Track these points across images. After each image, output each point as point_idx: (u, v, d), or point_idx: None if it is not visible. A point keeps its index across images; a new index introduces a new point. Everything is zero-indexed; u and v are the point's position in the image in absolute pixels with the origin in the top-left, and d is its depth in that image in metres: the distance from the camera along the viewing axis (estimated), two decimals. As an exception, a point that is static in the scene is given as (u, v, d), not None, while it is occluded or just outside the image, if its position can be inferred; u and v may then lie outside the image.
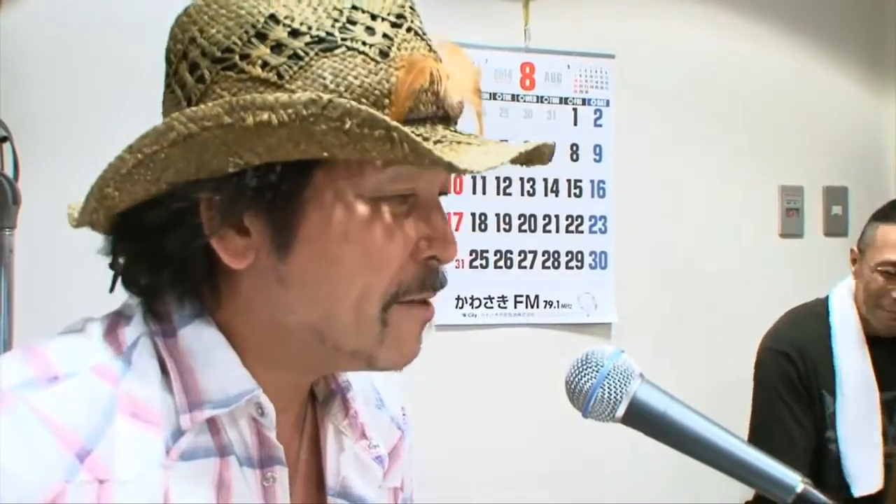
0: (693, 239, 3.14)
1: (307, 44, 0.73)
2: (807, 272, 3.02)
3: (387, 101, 0.73)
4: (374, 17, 0.76)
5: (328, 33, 0.74)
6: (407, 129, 0.70)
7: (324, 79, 0.72)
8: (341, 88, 0.72)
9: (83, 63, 2.52)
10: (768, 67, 3.24)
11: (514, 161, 0.80)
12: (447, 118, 0.78)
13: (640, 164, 3.06)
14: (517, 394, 2.86)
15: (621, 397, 0.82)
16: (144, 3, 2.56)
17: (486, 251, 2.88)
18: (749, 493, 2.70)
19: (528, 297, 2.93)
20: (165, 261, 0.76)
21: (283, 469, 0.80)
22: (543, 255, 2.95)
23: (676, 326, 3.08)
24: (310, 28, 0.74)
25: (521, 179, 2.92)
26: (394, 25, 0.76)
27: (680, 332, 3.08)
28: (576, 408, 0.84)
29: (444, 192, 0.83)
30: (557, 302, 2.96)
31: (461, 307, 2.84)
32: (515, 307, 2.92)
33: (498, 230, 2.90)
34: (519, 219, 2.92)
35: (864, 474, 2.35)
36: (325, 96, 0.70)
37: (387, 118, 0.70)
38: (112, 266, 0.81)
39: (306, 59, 0.73)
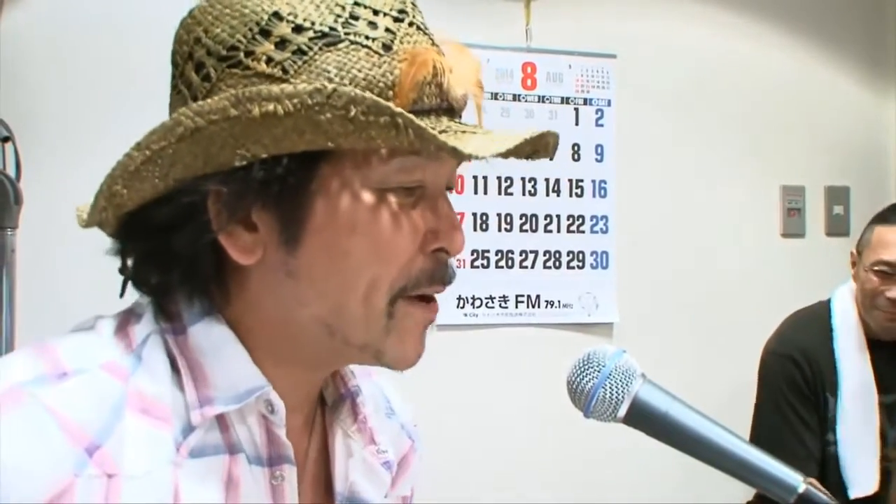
0: (694, 239, 3.13)
1: (311, 39, 0.74)
2: (808, 272, 3.01)
3: (391, 92, 0.74)
4: (376, 13, 0.76)
5: (331, 28, 0.74)
6: (412, 116, 0.71)
7: (328, 72, 0.73)
8: (345, 81, 0.73)
9: (85, 63, 2.52)
10: (769, 67, 3.24)
11: (518, 154, 0.80)
12: (451, 110, 0.79)
13: (641, 164, 3.06)
14: (518, 394, 2.86)
15: (623, 397, 0.82)
16: (146, 4, 2.56)
17: (488, 251, 2.88)
18: (752, 493, 2.71)
19: (529, 296, 2.93)
20: (174, 259, 0.76)
21: (292, 468, 0.80)
22: (545, 255, 2.95)
23: (678, 326, 3.08)
24: (313, 24, 0.74)
25: (523, 179, 2.92)
26: (396, 20, 0.77)
27: (681, 332, 3.08)
28: (577, 408, 0.84)
29: (451, 187, 0.83)
30: (559, 302, 2.96)
31: (462, 307, 2.84)
32: (517, 307, 2.92)
33: (499, 230, 2.90)
34: (520, 219, 2.92)
35: (861, 476, 2.36)
36: (330, 85, 0.70)
37: (391, 105, 0.70)
38: (122, 271, 0.81)
39: (310, 53, 0.73)
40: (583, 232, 2.99)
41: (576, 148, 2.98)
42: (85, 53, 2.52)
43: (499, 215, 2.90)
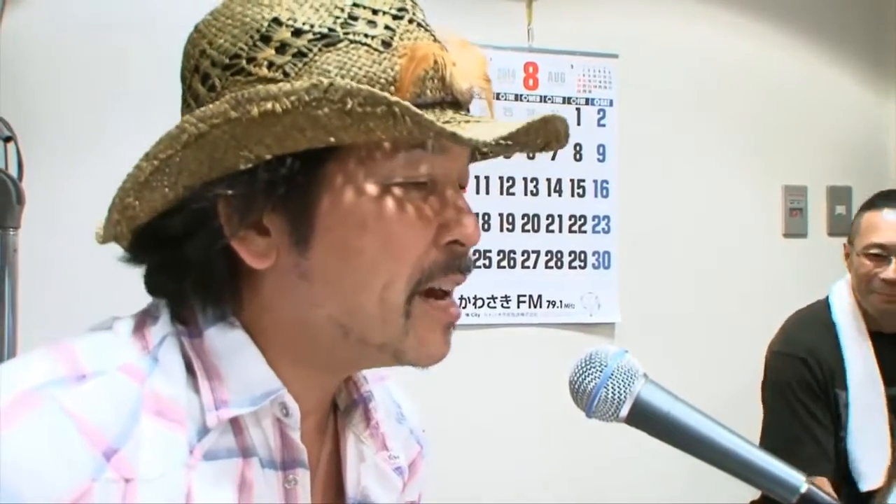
0: (696, 238, 3.13)
1: (310, 41, 0.74)
2: (810, 272, 3.01)
3: (392, 88, 0.74)
4: (375, 12, 0.77)
5: (330, 29, 0.75)
6: (409, 104, 0.71)
7: (329, 72, 0.73)
8: (346, 79, 0.73)
9: (86, 64, 2.52)
10: (772, 67, 3.24)
11: (528, 145, 0.81)
12: (457, 104, 0.78)
13: (643, 164, 3.06)
14: (520, 393, 2.86)
15: (625, 397, 0.82)
16: (147, 5, 2.56)
17: (490, 251, 2.89)
18: (755, 493, 2.70)
19: (531, 296, 2.93)
20: (188, 267, 0.77)
21: (306, 472, 0.80)
22: (546, 255, 2.95)
23: (680, 326, 3.08)
24: (312, 26, 0.75)
25: (525, 179, 2.93)
26: (395, 18, 0.77)
27: (683, 331, 3.08)
28: (579, 408, 0.84)
29: (463, 185, 0.83)
30: (560, 302, 2.96)
31: (464, 307, 2.84)
32: (518, 307, 2.92)
33: (501, 230, 2.90)
34: (522, 218, 2.92)
35: (873, 468, 2.36)
36: (326, 80, 0.70)
37: (387, 95, 0.70)
38: (147, 287, 0.82)
39: (310, 55, 0.74)
40: (585, 232, 2.99)
41: (578, 148, 2.98)
42: (86, 54, 2.53)
43: (501, 215, 2.90)
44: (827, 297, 2.54)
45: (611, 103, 3.02)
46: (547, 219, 2.95)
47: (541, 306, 2.94)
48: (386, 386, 0.99)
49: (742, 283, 3.17)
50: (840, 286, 2.53)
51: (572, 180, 2.98)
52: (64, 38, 2.50)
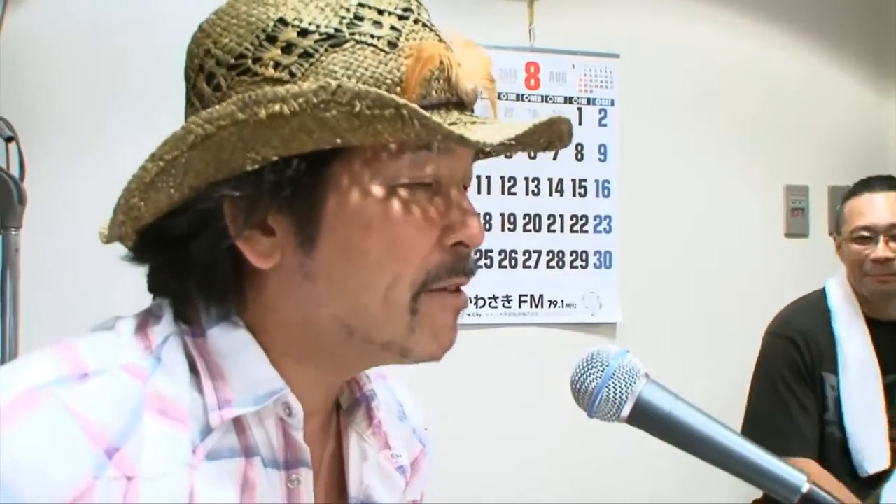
0: (698, 238, 3.13)
1: (316, 41, 0.74)
2: (812, 272, 3.00)
3: (398, 89, 0.74)
4: (380, 12, 0.77)
5: (336, 30, 0.75)
6: (417, 107, 0.71)
7: (335, 73, 0.73)
8: (353, 80, 0.73)
9: (88, 64, 2.53)
10: (773, 67, 3.24)
11: (532, 145, 0.81)
12: (462, 104, 0.79)
13: (644, 164, 3.06)
14: (521, 393, 2.86)
15: (626, 397, 0.82)
16: (148, 5, 2.56)
17: (491, 251, 2.89)
18: (756, 493, 2.70)
19: (532, 296, 2.93)
20: (192, 267, 0.77)
21: (308, 471, 0.80)
22: (548, 255, 2.95)
23: (681, 326, 3.08)
24: (318, 27, 0.75)
25: (526, 179, 2.93)
26: (401, 18, 0.77)
27: (684, 331, 3.08)
28: (581, 407, 0.84)
29: (467, 185, 0.83)
30: (562, 301, 2.96)
31: (466, 307, 2.84)
32: (520, 307, 2.92)
33: (502, 230, 2.90)
34: (523, 218, 2.92)
35: (874, 452, 2.38)
36: (334, 82, 0.70)
37: (396, 97, 0.70)
38: (149, 286, 0.82)
39: (316, 55, 0.74)
40: (586, 231, 2.99)
41: (579, 148, 2.98)
42: (88, 54, 2.53)
43: (502, 215, 2.90)
44: (823, 288, 2.58)
45: (612, 103, 3.02)
46: (548, 218, 2.95)
47: (542, 306, 2.94)
48: (388, 384, 0.99)
49: (743, 282, 3.17)
50: (836, 277, 2.57)
51: (574, 180, 2.98)
52: (65, 39, 2.50)
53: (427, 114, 0.70)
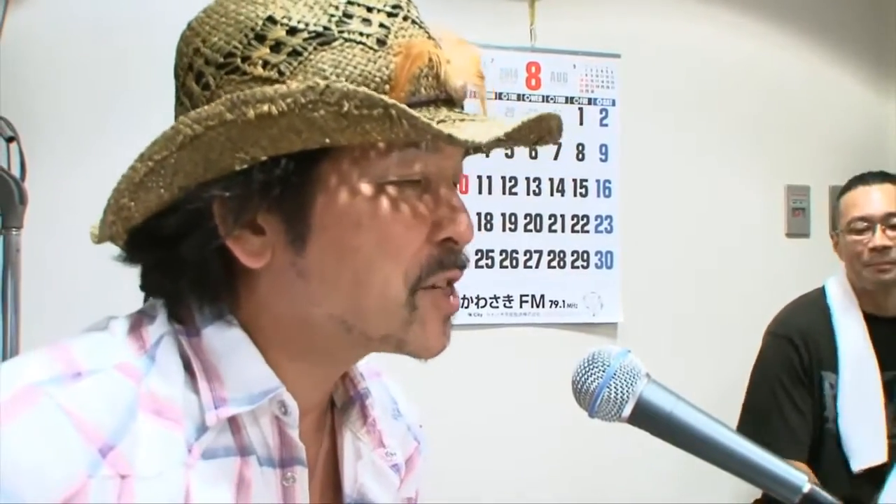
0: (699, 238, 3.13)
1: (305, 39, 0.74)
2: (813, 271, 3.00)
3: (387, 86, 0.74)
4: (369, 10, 0.77)
5: (325, 28, 0.75)
6: (405, 107, 0.71)
7: (324, 71, 0.73)
8: (341, 78, 0.73)
9: (89, 64, 2.53)
10: (774, 67, 3.24)
11: (522, 141, 0.81)
12: (451, 101, 0.79)
13: (645, 164, 3.06)
14: (522, 393, 2.86)
15: (628, 397, 0.82)
16: (149, 6, 2.56)
17: (492, 251, 2.89)
18: (757, 493, 2.70)
19: (533, 296, 2.93)
20: (183, 267, 0.77)
21: (304, 470, 0.80)
22: (549, 255, 2.95)
23: (682, 326, 3.08)
24: (307, 25, 0.75)
25: (527, 179, 2.93)
26: (390, 15, 0.77)
27: (686, 331, 3.08)
28: (582, 407, 0.84)
29: (457, 181, 0.83)
30: (563, 301, 2.96)
31: (467, 307, 2.84)
32: (521, 307, 2.92)
33: (504, 230, 2.90)
34: (525, 218, 2.92)
35: (866, 448, 2.40)
36: (322, 82, 0.71)
37: (384, 97, 0.70)
38: (142, 287, 0.82)
39: (305, 54, 0.74)
40: (587, 232, 2.99)
41: (580, 148, 2.98)
42: (89, 54, 2.53)
43: (503, 215, 2.90)
44: (823, 287, 2.59)
45: (613, 103, 3.02)
46: (549, 218, 2.95)
47: (543, 306, 2.94)
48: (382, 382, 0.99)
49: (745, 282, 3.17)
50: (836, 276, 2.58)
51: (575, 180, 2.98)
52: (66, 39, 2.50)
53: (416, 113, 0.70)
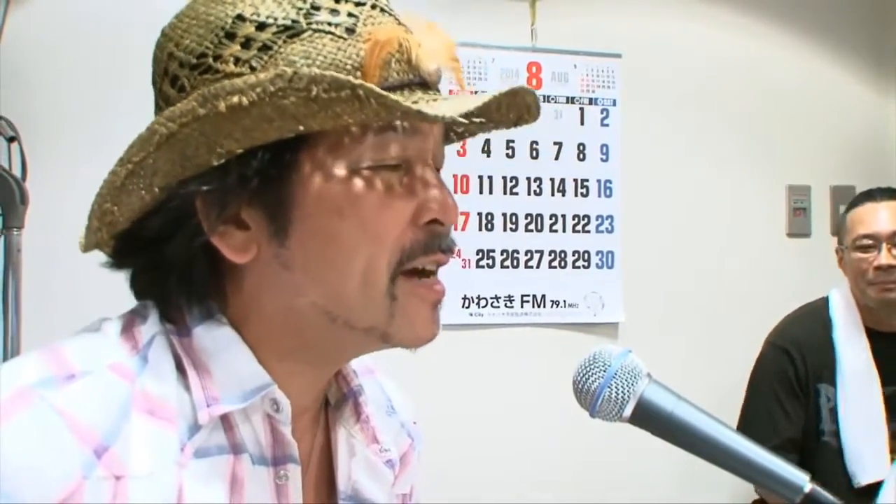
0: (700, 238, 3.13)
1: (274, 34, 0.75)
2: (814, 271, 3.01)
3: (358, 73, 0.74)
4: (337, 0, 0.77)
5: (294, 21, 0.76)
6: (373, 86, 0.71)
7: (295, 63, 0.74)
8: (313, 68, 0.74)
9: (90, 63, 2.53)
10: (775, 67, 3.24)
11: (500, 118, 0.82)
12: (426, 85, 0.79)
13: (646, 164, 3.05)
14: (523, 393, 2.86)
15: (629, 397, 0.82)
16: (150, 5, 2.56)
17: (493, 251, 2.88)
18: (753, 494, 2.70)
19: (534, 296, 2.93)
20: (170, 267, 0.77)
21: (297, 467, 0.80)
22: (550, 255, 2.95)
23: (683, 326, 3.08)
24: (275, 19, 0.75)
25: (528, 179, 2.92)
26: (358, 4, 0.78)
27: (687, 331, 3.08)
28: (583, 407, 0.84)
29: (438, 165, 0.83)
30: (564, 301, 2.96)
31: (468, 307, 2.84)
32: (522, 307, 2.92)
33: (504, 230, 2.90)
34: (525, 218, 2.92)
35: (868, 463, 2.39)
36: (290, 70, 0.71)
37: (351, 78, 0.71)
38: (132, 289, 0.82)
39: (275, 47, 0.75)
40: (588, 231, 2.99)
41: (581, 148, 2.98)
42: (90, 54, 2.53)
43: (504, 215, 2.90)
44: (827, 297, 2.59)
45: (614, 103, 3.02)
46: (550, 218, 2.95)
47: (544, 306, 2.94)
48: (376, 379, 0.99)
49: (746, 282, 3.16)
50: (840, 288, 2.58)
51: (576, 180, 2.98)
52: (67, 39, 2.50)
53: (384, 92, 0.71)
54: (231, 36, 0.75)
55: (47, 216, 2.30)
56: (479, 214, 2.86)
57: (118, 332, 0.79)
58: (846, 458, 2.41)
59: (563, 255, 2.96)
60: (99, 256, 0.84)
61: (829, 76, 3.32)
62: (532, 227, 2.93)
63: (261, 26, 0.75)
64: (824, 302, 2.58)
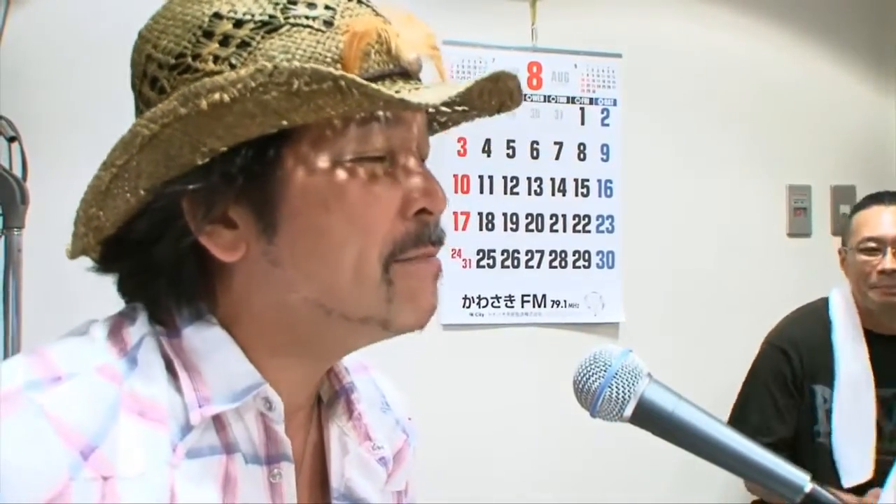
0: (700, 238, 3.13)
1: (252, 30, 0.75)
2: (814, 271, 3.01)
3: (338, 65, 0.74)
4: None
5: (271, 16, 0.75)
6: (354, 76, 0.71)
7: (274, 58, 0.74)
8: (293, 62, 0.73)
9: (91, 63, 2.52)
10: (776, 67, 3.24)
11: (483, 105, 0.82)
12: (407, 75, 0.79)
13: (647, 164, 3.05)
14: (524, 393, 2.86)
15: (629, 397, 0.82)
16: (153, 5, 2.56)
17: (494, 251, 2.88)
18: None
19: (535, 296, 2.93)
20: (158, 270, 0.77)
21: (290, 465, 0.80)
22: (550, 255, 2.95)
23: (683, 326, 3.08)
24: (253, 15, 0.75)
25: (529, 179, 2.92)
26: None
27: (687, 331, 3.08)
28: (584, 407, 0.84)
29: (423, 156, 0.83)
30: (564, 301, 2.96)
31: (468, 307, 2.84)
32: (522, 307, 2.92)
33: (505, 229, 2.90)
34: (526, 218, 2.92)
35: (855, 465, 2.40)
36: (270, 64, 0.71)
37: (332, 70, 0.71)
38: (121, 293, 0.82)
39: (254, 43, 0.74)
40: (588, 231, 2.99)
41: (582, 148, 2.98)
42: (91, 53, 2.53)
43: (504, 215, 2.90)
44: (828, 298, 2.59)
45: (615, 103, 3.02)
46: (551, 218, 2.95)
47: (545, 306, 2.94)
48: (370, 376, 0.99)
49: (746, 282, 3.16)
50: (840, 289, 2.58)
51: (576, 180, 2.98)
52: (67, 39, 2.50)
53: (365, 82, 0.70)
54: (209, 34, 0.75)
55: (48, 216, 2.29)
56: (480, 214, 2.86)
57: (105, 335, 0.78)
58: (835, 458, 2.42)
59: (563, 254, 2.96)
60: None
61: (829, 76, 3.32)
62: (532, 226, 2.93)
63: (238, 23, 0.75)
64: (824, 303, 2.58)
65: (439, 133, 0.91)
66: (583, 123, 2.98)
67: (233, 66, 0.73)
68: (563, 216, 2.96)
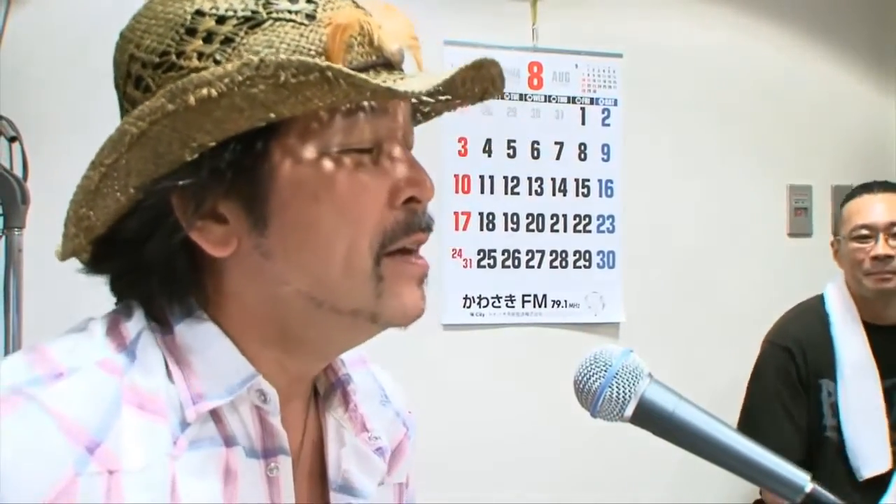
0: (701, 238, 3.13)
1: (235, 25, 0.75)
2: (815, 271, 3.00)
3: (322, 58, 0.75)
4: None
5: (253, 11, 0.76)
6: (341, 67, 0.71)
7: (258, 53, 0.74)
8: (277, 55, 0.74)
9: (92, 63, 2.52)
10: (776, 67, 3.24)
11: (467, 93, 0.83)
12: (390, 65, 0.79)
13: (647, 164, 3.05)
14: (524, 393, 2.86)
15: (630, 397, 0.82)
16: (152, 3, 2.56)
17: (494, 250, 2.88)
18: (757, 493, 2.70)
19: (535, 296, 2.93)
20: (150, 268, 0.77)
21: (287, 458, 0.80)
22: (551, 255, 2.95)
23: (684, 326, 3.08)
24: (235, 11, 0.76)
25: (529, 179, 2.92)
26: None
27: (688, 331, 3.08)
28: (584, 407, 0.84)
29: (409, 145, 0.83)
30: (565, 301, 2.96)
31: (469, 306, 2.84)
32: (523, 307, 2.92)
33: (506, 229, 2.90)
34: (527, 218, 2.92)
35: (871, 455, 2.40)
36: (256, 58, 0.71)
37: (318, 61, 0.71)
38: (114, 293, 0.83)
39: (237, 39, 0.75)
40: (589, 231, 2.99)
41: (582, 148, 2.98)
42: (92, 53, 2.52)
43: (505, 215, 2.90)
44: (822, 293, 2.59)
45: (615, 103, 3.02)
46: (551, 218, 2.95)
47: (545, 306, 2.94)
48: (368, 369, 0.99)
49: (747, 282, 3.16)
50: (835, 282, 2.58)
51: (577, 180, 2.98)
52: (68, 39, 2.50)
53: (352, 72, 0.71)
54: (192, 32, 0.75)
55: (48, 216, 2.29)
56: (481, 214, 2.86)
57: (104, 331, 0.79)
58: (848, 452, 2.41)
59: (564, 254, 2.96)
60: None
61: (831, 75, 3.32)
62: (533, 226, 2.93)
63: (221, 19, 0.75)
64: (819, 299, 2.58)
65: (422, 123, 0.91)
66: (583, 123, 2.99)
67: (217, 63, 0.74)
68: (564, 216, 2.96)
